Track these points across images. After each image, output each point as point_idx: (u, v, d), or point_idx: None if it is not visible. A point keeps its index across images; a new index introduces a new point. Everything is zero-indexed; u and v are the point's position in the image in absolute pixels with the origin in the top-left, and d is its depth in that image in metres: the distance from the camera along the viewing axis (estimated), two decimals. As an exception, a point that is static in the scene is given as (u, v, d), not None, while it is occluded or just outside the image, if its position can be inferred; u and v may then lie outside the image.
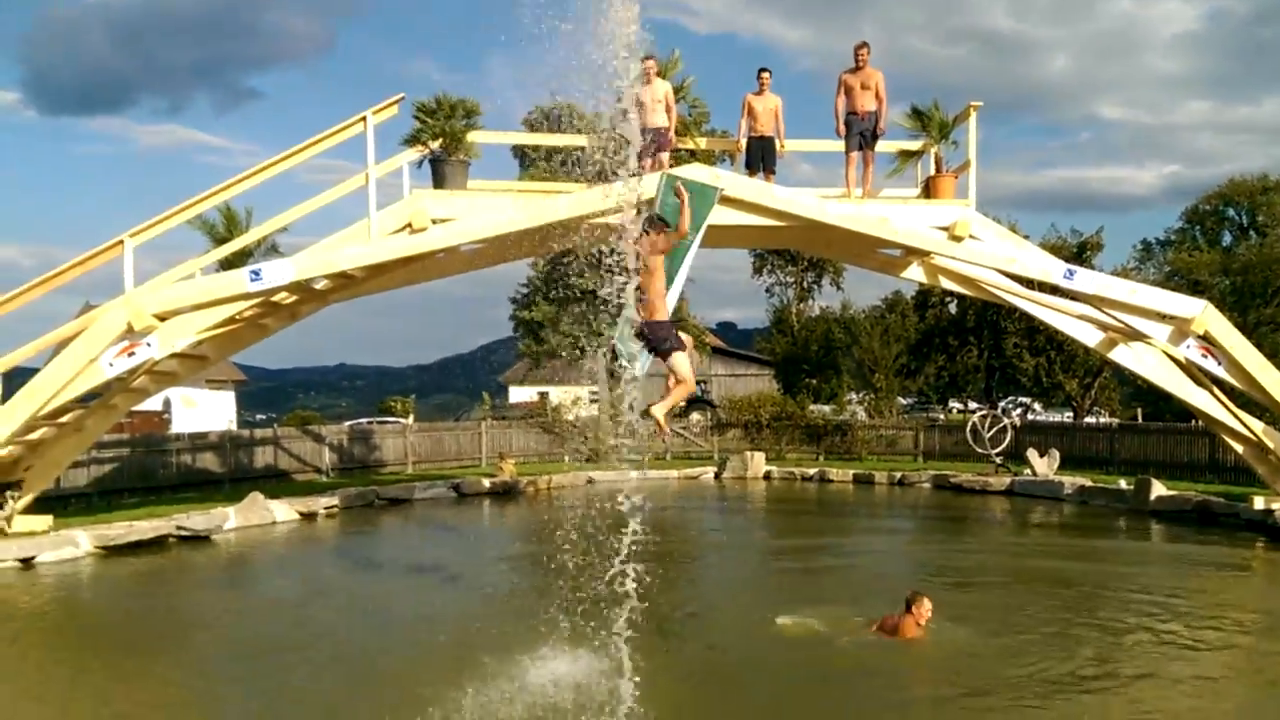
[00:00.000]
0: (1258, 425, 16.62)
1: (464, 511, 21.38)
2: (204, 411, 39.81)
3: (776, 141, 15.68)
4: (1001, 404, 39.07)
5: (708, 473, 27.73)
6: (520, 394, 52.18)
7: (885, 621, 9.31)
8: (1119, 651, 9.22)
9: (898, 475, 24.98)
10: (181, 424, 34.96)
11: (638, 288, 7.64)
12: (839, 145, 15.84)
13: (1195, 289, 36.22)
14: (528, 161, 27.77)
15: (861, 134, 15.47)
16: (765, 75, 15.74)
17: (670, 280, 14.02)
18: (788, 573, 14.72)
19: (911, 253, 17.02)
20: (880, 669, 8.74)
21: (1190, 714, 7.71)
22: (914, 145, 16.56)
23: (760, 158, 15.62)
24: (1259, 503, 16.26)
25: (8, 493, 15.63)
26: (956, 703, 7.81)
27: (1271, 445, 16.48)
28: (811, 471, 26.73)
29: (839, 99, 15.49)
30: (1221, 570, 13.85)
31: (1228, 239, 51.14)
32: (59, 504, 17.79)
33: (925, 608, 9.02)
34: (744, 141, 15.88)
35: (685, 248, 14.31)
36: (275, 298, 16.08)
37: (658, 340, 7.62)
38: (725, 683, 8.53)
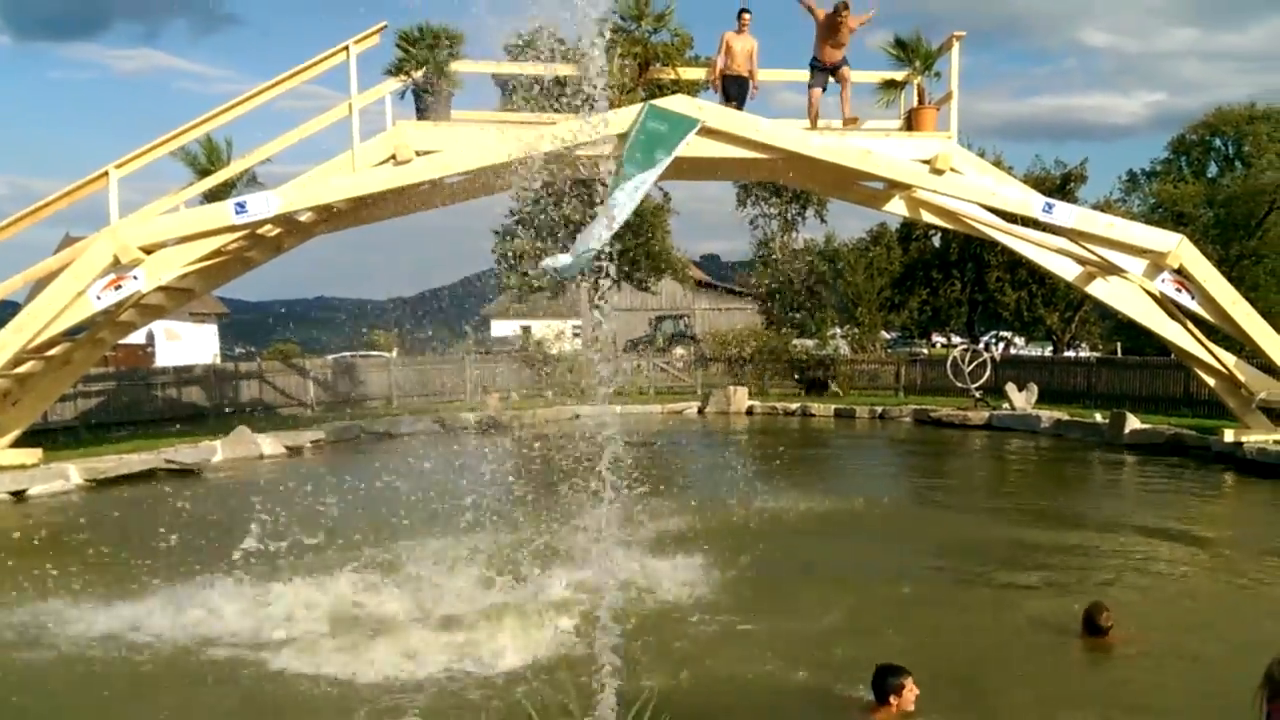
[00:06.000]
0: (1229, 358, 16.93)
1: (450, 446, 21.51)
2: (187, 345, 39.70)
3: (750, 82, 15.70)
4: (983, 339, 39.37)
5: (691, 407, 28.02)
6: (503, 327, 52.15)
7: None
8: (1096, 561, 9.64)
9: (879, 410, 25.32)
10: (165, 357, 34.95)
11: None
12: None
13: (1179, 221, 36.26)
14: (509, 90, 27.47)
15: (736, 97, 15.67)
16: (746, 16, 15.71)
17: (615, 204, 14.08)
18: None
19: (893, 186, 17.10)
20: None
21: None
22: (898, 75, 16.55)
23: (735, 96, 15.64)
24: (1229, 436, 16.59)
25: None
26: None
27: (1243, 378, 16.80)
28: (794, 407, 27.04)
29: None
30: (1186, 496, 14.34)
31: (1214, 169, 50.93)
32: (46, 438, 17.88)
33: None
34: (719, 78, 15.85)
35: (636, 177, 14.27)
36: (260, 230, 16.08)
37: None
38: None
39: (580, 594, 8.24)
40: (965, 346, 27.95)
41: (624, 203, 14.23)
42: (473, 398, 28.02)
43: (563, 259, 13.47)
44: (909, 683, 5.55)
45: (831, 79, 15.87)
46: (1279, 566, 10.09)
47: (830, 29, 15.45)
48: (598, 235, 13.70)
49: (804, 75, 16.34)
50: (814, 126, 15.80)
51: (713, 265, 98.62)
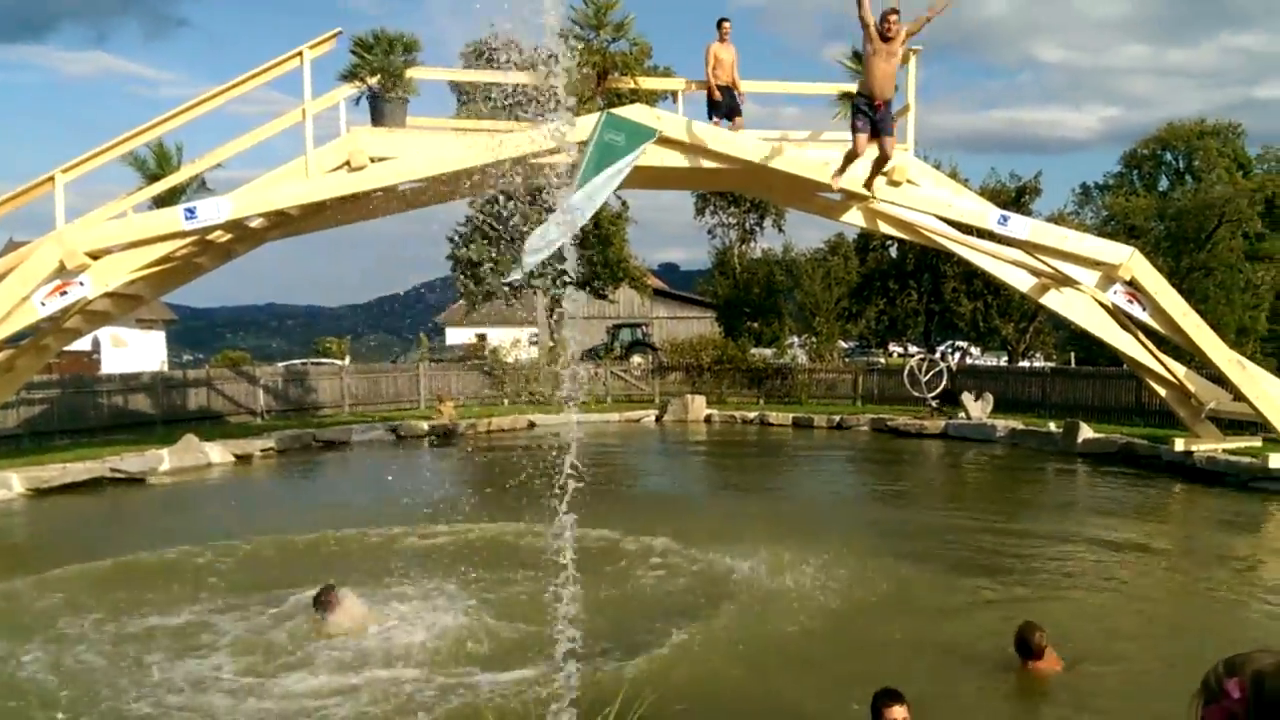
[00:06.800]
0: (1180, 369, 17.16)
1: (402, 454, 21.33)
2: (134, 351, 38.96)
3: (735, 91, 15.65)
4: (940, 348, 39.68)
5: (649, 416, 27.96)
6: (458, 335, 51.79)
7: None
8: (1043, 567, 9.64)
9: (837, 419, 25.39)
10: (111, 364, 34.28)
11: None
12: (784, 87, 15.88)
13: (1131, 234, 36.83)
14: (466, 98, 27.29)
15: (728, 107, 15.59)
16: (726, 25, 15.61)
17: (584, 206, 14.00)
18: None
19: (851, 197, 17.11)
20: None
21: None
22: (855, 88, 16.57)
23: (728, 106, 15.57)
24: (1179, 445, 16.79)
25: None
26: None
27: (1193, 388, 17.04)
28: (752, 415, 27.08)
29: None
30: (1136, 504, 14.48)
31: (1165, 183, 51.93)
32: (-14, 445, 17.46)
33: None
34: (716, 91, 15.71)
35: (599, 181, 14.19)
36: (210, 236, 15.76)
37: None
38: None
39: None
40: (922, 356, 28.16)
41: (580, 210, 14.14)
42: (427, 405, 27.75)
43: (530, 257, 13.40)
44: (895, 711, 5.40)
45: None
46: (1226, 575, 10.21)
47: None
48: (549, 239, 13.51)
49: (769, 85, 16.34)
50: (842, 171, 14.28)
51: (671, 274, 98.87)
